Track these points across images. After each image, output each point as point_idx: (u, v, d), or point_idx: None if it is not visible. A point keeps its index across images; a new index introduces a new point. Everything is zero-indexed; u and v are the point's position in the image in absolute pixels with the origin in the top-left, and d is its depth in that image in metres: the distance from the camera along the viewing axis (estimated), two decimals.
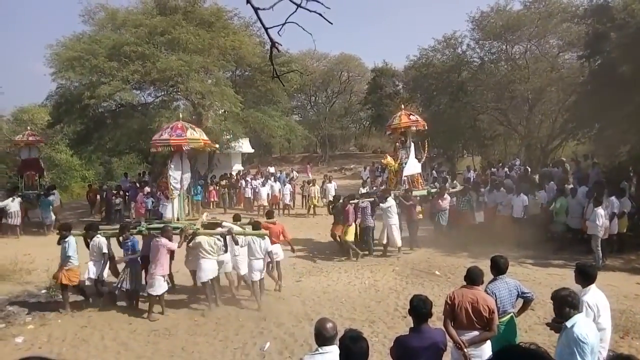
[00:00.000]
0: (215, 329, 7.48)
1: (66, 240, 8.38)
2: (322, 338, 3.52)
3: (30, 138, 17.57)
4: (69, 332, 7.46)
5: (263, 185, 19.16)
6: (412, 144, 13.03)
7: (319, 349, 3.52)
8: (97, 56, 15.61)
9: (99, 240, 8.53)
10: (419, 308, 3.87)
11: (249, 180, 20.38)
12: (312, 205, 18.47)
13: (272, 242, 8.99)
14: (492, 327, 4.43)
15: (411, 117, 13.05)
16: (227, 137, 19.44)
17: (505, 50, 24.73)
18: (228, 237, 8.41)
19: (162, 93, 19.61)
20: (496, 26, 23.37)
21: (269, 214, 10.55)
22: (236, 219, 9.63)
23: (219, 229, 8.65)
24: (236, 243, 8.43)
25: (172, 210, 9.43)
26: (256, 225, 8.87)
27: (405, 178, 12.94)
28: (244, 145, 25.60)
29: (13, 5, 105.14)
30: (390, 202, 11.59)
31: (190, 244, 8.43)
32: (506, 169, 17.89)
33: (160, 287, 8.10)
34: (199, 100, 17.29)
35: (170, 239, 8.26)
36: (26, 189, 17.00)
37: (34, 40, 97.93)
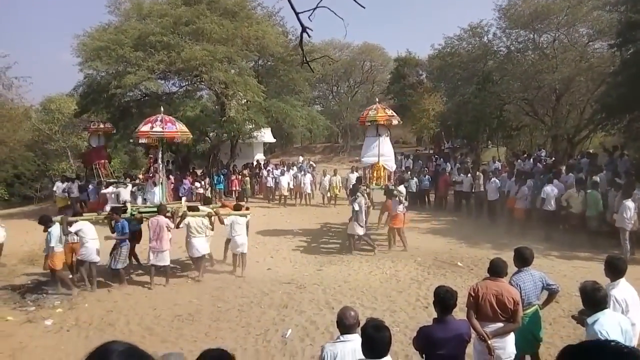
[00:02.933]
0: (237, 315, 7.59)
1: (50, 230, 8.78)
2: (344, 326, 3.54)
3: (101, 125, 17.97)
4: (96, 316, 7.68)
5: (282, 174, 19.26)
6: (387, 138, 13.03)
7: (341, 337, 3.54)
8: (123, 46, 15.80)
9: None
10: (446, 299, 3.83)
11: (271, 169, 20.51)
12: (334, 195, 18.45)
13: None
14: (516, 319, 4.38)
15: (387, 111, 13.01)
16: (250, 126, 19.53)
17: (533, 40, 24.11)
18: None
19: (186, 83, 19.81)
20: (524, 15, 22.78)
21: (237, 207, 10.68)
22: (236, 208, 10.47)
23: (206, 209, 9.94)
24: (221, 222, 9.67)
25: (158, 195, 10.69)
26: (237, 206, 10.35)
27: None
28: (266, 135, 25.71)
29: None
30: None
31: (181, 225, 9.49)
32: (532, 160, 17.53)
33: (166, 259, 9.27)
34: (222, 90, 17.40)
35: (166, 217, 9.46)
36: (99, 177, 17.44)
37: (61, 31, 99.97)
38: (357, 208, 10.99)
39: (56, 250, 8.84)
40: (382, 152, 12.81)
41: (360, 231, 11.22)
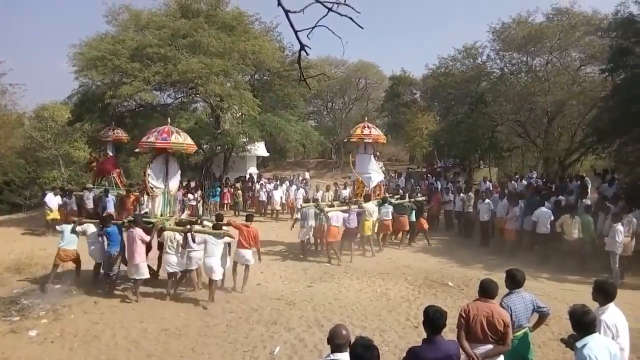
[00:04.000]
0: (225, 331, 7.50)
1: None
2: (335, 344, 3.50)
3: (117, 133, 17.25)
4: (81, 328, 7.54)
5: (275, 188, 19.26)
6: (373, 155, 14.12)
7: (331, 355, 3.50)
8: (119, 56, 15.80)
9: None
10: (436, 319, 3.80)
11: (263, 183, 20.49)
12: None
13: (242, 247, 9.52)
14: (506, 342, 4.36)
15: (373, 130, 13.97)
16: (244, 140, 19.54)
17: (526, 62, 24.51)
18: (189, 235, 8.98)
19: (182, 95, 19.82)
20: (517, 37, 23.18)
21: (249, 217, 10.46)
22: (215, 227, 9.44)
23: (186, 227, 9.26)
24: (193, 240, 8.98)
25: (155, 207, 10.26)
26: (216, 225, 9.40)
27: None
28: (260, 149, 25.75)
29: (38, 4, 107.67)
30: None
31: (159, 238, 9.29)
32: (524, 182, 17.66)
33: (140, 272, 8.95)
34: (217, 103, 17.43)
35: (143, 229, 9.10)
36: (115, 187, 16.98)
37: (57, 39, 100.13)
38: (298, 215, 11.29)
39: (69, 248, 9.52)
40: (372, 168, 13.82)
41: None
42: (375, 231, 13.23)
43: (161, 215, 10.21)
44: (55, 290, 9.29)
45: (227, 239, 9.17)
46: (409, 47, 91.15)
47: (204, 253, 8.97)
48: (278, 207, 18.83)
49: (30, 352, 6.71)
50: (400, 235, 14.40)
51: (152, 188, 10.14)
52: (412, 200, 14.42)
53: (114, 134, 17.12)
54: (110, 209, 14.78)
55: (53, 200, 15.14)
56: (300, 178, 23.61)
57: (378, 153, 14.57)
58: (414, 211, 14.08)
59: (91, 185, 17.03)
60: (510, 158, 30.33)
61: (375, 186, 14.03)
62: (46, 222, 15.11)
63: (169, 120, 11.09)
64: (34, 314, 8.18)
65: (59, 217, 14.63)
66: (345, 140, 14.92)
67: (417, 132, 30.27)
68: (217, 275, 8.96)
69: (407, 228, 14.02)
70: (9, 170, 28.93)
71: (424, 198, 15.46)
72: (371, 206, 12.77)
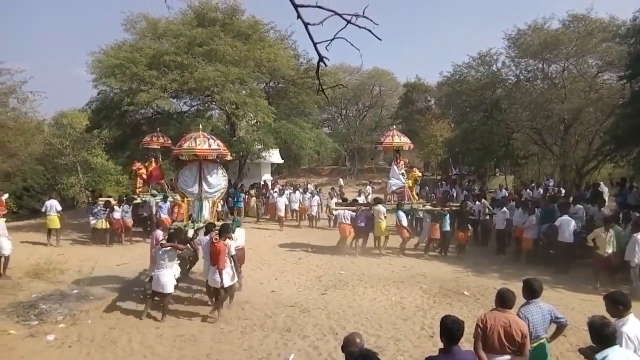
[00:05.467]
0: (240, 337, 7.52)
1: None
2: (348, 352, 3.51)
3: (162, 140, 16.53)
4: (98, 333, 7.63)
5: (280, 195, 19.34)
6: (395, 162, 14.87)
7: None
8: (137, 64, 16.04)
9: None
10: (453, 330, 3.75)
11: (277, 190, 20.59)
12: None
13: (212, 264, 8.36)
14: (523, 352, 4.31)
15: (402, 138, 14.75)
16: (259, 147, 19.68)
17: (542, 69, 24.32)
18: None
19: (198, 102, 20.06)
20: (533, 44, 23.03)
21: (222, 228, 9.16)
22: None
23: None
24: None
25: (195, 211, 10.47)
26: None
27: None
28: (274, 156, 25.87)
29: (58, 13, 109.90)
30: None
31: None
32: (540, 190, 17.45)
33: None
34: (233, 110, 17.58)
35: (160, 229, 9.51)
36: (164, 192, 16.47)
37: (76, 47, 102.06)
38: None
39: None
40: (393, 175, 14.70)
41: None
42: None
43: (192, 221, 10.40)
44: (72, 296, 9.43)
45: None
46: (424, 54, 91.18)
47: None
48: (282, 214, 18.82)
49: (48, 356, 6.80)
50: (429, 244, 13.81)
51: (182, 193, 10.40)
52: (448, 208, 13.78)
53: (163, 140, 16.56)
54: (164, 214, 14.69)
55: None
56: (313, 185, 23.75)
57: (402, 161, 14.91)
58: (446, 219, 13.40)
59: (155, 192, 16.57)
60: (526, 166, 30.04)
61: (396, 191, 14.71)
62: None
63: (201, 127, 11.30)
64: (52, 319, 8.29)
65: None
66: (375, 147, 15.74)
67: (432, 140, 30.21)
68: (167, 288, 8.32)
69: (437, 236, 13.45)
70: (28, 177, 29.50)
71: (470, 206, 14.61)
72: (381, 208, 13.41)
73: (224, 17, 19.09)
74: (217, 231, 8.68)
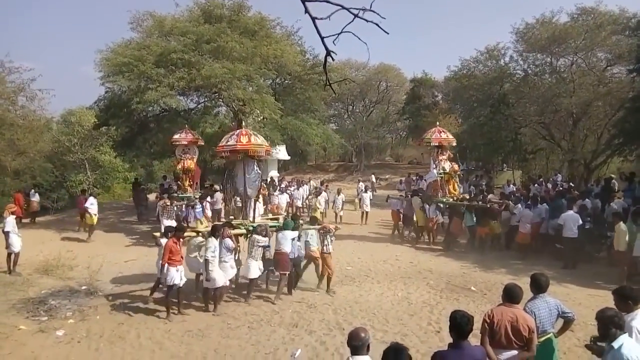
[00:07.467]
0: (247, 332, 7.56)
1: None
2: (352, 346, 3.52)
3: (191, 136, 15.82)
4: (107, 329, 7.71)
5: (282, 192, 19.21)
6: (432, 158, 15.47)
7: (350, 357, 3.51)
8: (144, 62, 16.05)
9: None
10: (463, 324, 3.75)
11: (284, 187, 20.59)
12: (364, 212, 18.75)
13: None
14: (531, 347, 4.30)
15: (442, 134, 15.20)
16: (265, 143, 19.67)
17: (550, 63, 24.12)
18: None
19: (205, 99, 20.08)
20: (541, 38, 22.84)
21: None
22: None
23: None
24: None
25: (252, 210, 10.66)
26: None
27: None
28: (281, 152, 25.88)
29: (66, 12, 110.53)
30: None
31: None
32: (549, 185, 17.34)
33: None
34: (240, 107, 17.58)
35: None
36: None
37: (85, 45, 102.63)
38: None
39: None
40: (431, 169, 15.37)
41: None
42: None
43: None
44: (81, 292, 9.52)
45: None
46: (431, 48, 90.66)
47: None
48: (282, 212, 18.78)
49: (57, 351, 6.89)
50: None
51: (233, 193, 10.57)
52: (474, 203, 13.78)
53: (191, 136, 15.87)
54: (204, 213, 13.71)
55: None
56: (320, 181, 23.86)
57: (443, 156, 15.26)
58: (466, 214, 13.50)
59: (217, 187, 16.28)
60: (534, 160, 29.84)
61: (431, 184, 15.27)
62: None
63: (244, 124, 11.30)
64: (61, 314, 8.39)
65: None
66: (419, 144, 18.05)
67: None
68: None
69: (457, 231, 14.03)
70: (37, 174, 29.71)
71: (498, 203, 14.21)
72: (416, 201, 14.63)
73: (230, 14, 19.07)
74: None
